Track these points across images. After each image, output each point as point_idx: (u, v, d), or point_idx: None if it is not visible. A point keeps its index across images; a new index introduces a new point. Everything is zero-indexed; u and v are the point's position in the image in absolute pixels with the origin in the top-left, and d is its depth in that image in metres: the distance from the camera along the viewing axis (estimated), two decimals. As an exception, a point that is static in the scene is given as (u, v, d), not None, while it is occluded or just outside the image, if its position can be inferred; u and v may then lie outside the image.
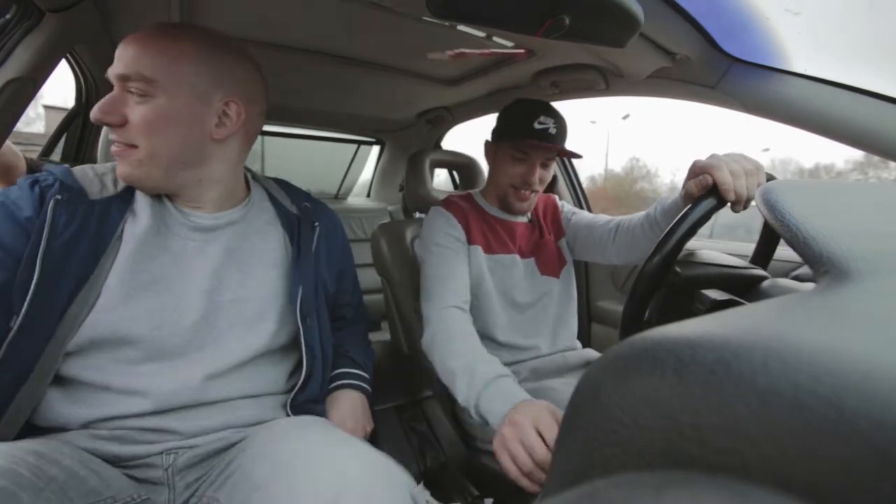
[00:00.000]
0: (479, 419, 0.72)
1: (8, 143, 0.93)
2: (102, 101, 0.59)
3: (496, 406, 0.68)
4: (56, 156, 1.55)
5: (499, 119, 1.00)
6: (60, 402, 0.57)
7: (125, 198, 0.63)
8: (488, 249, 0.98)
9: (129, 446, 0.57)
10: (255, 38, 0.98)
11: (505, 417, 0.65)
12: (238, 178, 0.72)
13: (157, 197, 0.65)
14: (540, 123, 0.90)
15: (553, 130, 0.90)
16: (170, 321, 0.60)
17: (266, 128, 1.94)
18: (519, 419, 0.62)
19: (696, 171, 0.68)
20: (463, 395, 0.74)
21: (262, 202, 0.75)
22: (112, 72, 0.59)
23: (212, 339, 0.63)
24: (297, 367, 0.71)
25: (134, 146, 0.59)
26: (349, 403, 0.74)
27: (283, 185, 0.83)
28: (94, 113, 0.58)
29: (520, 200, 0.97)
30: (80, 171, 0.63)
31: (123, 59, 0.58)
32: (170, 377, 0.59)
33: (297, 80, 1.29)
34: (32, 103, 0.78)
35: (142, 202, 0.63)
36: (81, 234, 0.57)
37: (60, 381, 0.57)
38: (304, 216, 0.77)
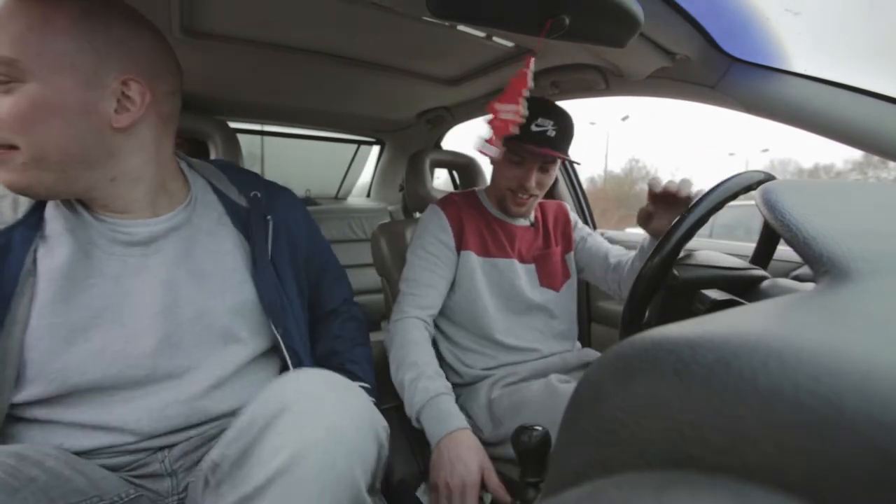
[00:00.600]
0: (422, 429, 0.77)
1: None
2: None
3: (431, 427, 0.73)
4: None
5: None
6: (35, 438, 0.51)
7: (30, 223, 0.52)
8: (484, 252, 0.97)
9: (119, 458, 0.54)
10: (255, 38, 0.98)
11: (448, 462, 0.68)
12: (166, 170, 0.60)
13: (72, 208, 0.54)
14: (537, 126, 0.86)
15: (552, 133, 0.87)
16: (123, 355, 0.53)
17: (265, 128, 1.93)
18: (460, 471, 0.67)
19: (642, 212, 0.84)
20: (407, 407, 0.78)
21: (205, 196, 0.65)
22: None
23: (179, 361, 0.56)
24: (286, 365, 0.65)
25: (13, 147, 0.48)
26: None
27: (227, 169, 0.71)
28: None
29: (517, 205, 0.96)
30: None
31: None
32: (143, 409, 0.54)
33: (297, 80, 1.29)
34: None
35: (54, 223, 0.53)
36: None
37: (31, 422, 0.51)
38: (255, 209, 0.67)
